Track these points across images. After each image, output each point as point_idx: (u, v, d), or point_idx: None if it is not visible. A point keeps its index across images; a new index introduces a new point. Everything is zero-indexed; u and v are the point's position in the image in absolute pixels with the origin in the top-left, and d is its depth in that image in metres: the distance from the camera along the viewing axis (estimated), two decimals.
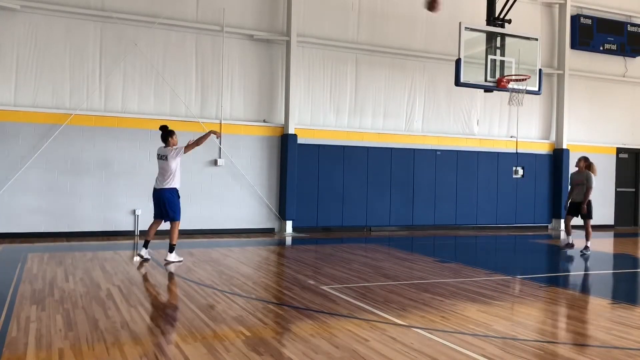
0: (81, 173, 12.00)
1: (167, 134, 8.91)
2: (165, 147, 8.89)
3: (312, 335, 5.04)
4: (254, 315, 5.76)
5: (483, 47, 12.36)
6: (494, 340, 5.02)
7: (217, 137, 9.61)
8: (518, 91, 12.37)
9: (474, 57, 12.16)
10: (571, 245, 11.33)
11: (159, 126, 9.17)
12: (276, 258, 10.00)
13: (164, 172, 8.78)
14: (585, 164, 11.28)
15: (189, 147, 8.93)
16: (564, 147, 16.62)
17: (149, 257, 8.99)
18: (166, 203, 8.80)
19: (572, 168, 16.62)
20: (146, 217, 12.40)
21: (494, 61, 12.32)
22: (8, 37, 11.58)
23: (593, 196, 11.58)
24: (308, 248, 11.32)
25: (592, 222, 11.55)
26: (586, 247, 11.13)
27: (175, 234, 8.93)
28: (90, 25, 12.18)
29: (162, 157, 8.80)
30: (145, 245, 9.05)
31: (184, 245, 11.05)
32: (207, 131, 9.23)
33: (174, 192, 8.86)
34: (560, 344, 5.01)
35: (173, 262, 8.79)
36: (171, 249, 8.92)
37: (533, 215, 16.41)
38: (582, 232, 11.52)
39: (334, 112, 14.49)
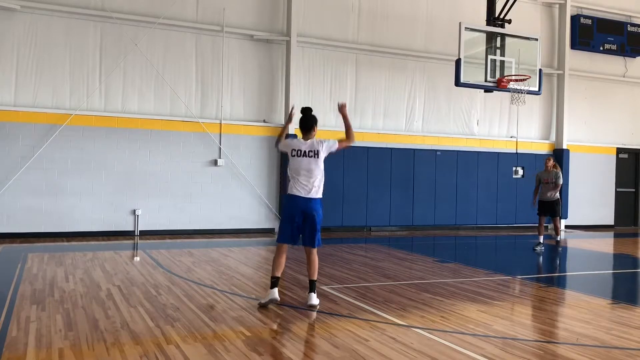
0: (81, 173, 12.00)
1: (312, 120, 6.40)
2: (306, 138, 6.36)
3: (312, 335, 5.04)
4: (254, 315, 5.76)
5: (483, 47, 12.37)
6: (494, 340, 5.02)
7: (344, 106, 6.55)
8: (518, 91, 12.37)
9: (474, 57, 12.16)
10: (542, 245, 11.39)
11: (301, 108, 6.53)
12: None
13: (310, 175, 6.09)
14: (554, 163, 11.47)
15: (343, 142, 6.47)
16: (564, 147, 16.62)
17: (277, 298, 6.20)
18: (315, 221, 6.09)
19: (573, 168, 16.74)
20: (146, 217, 12.44)
21: (494, 61, 12.32)
22: (8, 37, 11.58)
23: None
24: None
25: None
26: (558, 242, 11.51)
27: (316, 266, 6.27)
28: (90, 25, 12.18)
29: (309, 154, 6.15)
30: (275, 284, 6.16)
31: (184, 245, 11.06)
32: (341, 111, 6.56)
33: (322, 205, 6.23)
34: (560, 344, 5.01)
35: (316, 305, 6.09)
36: (313, 287, 6.18)
37: (533, 215, 16.34)
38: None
39: (334, 112, 14.47)
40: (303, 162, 6.09)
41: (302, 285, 7.32)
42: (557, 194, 11.35)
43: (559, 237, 11.57)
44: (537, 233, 11.60)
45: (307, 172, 6.07)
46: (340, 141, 6.35)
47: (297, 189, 6.07)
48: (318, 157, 6.12)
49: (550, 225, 12.56)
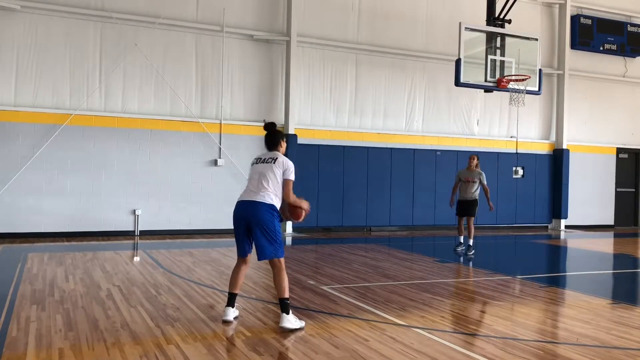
0: (81, 173, 12.00)
1: (278, 135, 5.73)
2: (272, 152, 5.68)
3: (312, 335, 5.04)
4: (254, 315, 5.76)
5: (483, 47, 12.37)
6: (494, 340, 5.02)
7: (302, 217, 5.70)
8: (518, 91, 12.37)
9: (474, 57, 12.16)
10: (464, 245, 10.71)
11: (264, 124, 5.81)
12: None
13: (262, 178, 5.44)
14: (477, 163, 10.73)
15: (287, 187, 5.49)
16: (564, 147, 16.62)
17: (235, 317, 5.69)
18: (263, 227, 5.34)
19: (573, 168, 16.74)
20: (146, 217, 12.44)
21: (494, 61, 12.32)
22: (8, 37, 11.58)
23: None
24: (308, 248, 11.32)
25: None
26: (470, 247, 10.54)
27: (282, 282, 5.50)
28: (90, 25, 12.18)
29: (267, 160, 5.53)
30: (231, 301, 5.65)
31: (184, 245, 11.06)
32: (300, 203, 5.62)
33: (274, 213, 5.43)
34: (560, 344, 5.01)
35: (289, 329, 5.25)
36: (282, 306, 5.36)
37: (533, 215, 16.41)
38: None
39: (334, 112, 14.49)
40: (258, 167, 5.52)
41: (302, 285, 7.32)
42: (477, 195, 10.61)
43: (471, 240, 10.51)
44: (457, 234, 10.87)
45: (260, 176, 5.44)
46: (287, 183, 5.46)
47: (245, 193, 5.48)
48: (275, 163, 5.45)
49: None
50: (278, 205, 5.45)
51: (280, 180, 5.44)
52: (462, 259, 10.14)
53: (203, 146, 13.04)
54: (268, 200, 5.36)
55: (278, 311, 5.91)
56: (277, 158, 5.51)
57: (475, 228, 10.79)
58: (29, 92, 11.77)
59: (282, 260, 5.42)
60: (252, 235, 5.40)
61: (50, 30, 11.89)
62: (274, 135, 5.70)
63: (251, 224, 5.36)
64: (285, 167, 5.46)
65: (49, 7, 11.78)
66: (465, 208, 10.63)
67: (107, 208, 12.21)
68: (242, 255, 5.56)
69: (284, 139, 5.75)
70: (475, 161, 10.74)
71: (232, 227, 5.56)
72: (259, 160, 5.61)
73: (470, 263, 9.79)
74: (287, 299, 5.35)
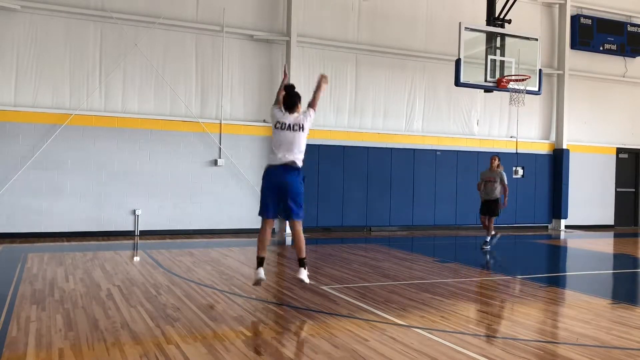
0: (81, 173, 12.00)
1: (296, 97, 6.34)
2: (294, 114, 6.29)
3: (312, 335, 5.04)
4: (254, 315, 5.76)
5: (483, 47, 12.37)
6: (494, 340, 5.02)
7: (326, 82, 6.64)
8: (518, 91, 12.37)
9: (474, 57, 12.16)
10: (489, 243, 11.35)
11: (284, 85, 6.48)
12: (276, 258, 10.00)
13: (292, 147, 6.12)
14: (498, 163, 11.35)
15: (315, 104, 6.52)
16: (564, 147, 16.62)
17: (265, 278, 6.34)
18: (295, 191, 6.12)
19: (573, 168, 16.74)
20: (146, 217, 12.44)
21: (494, 61, 12.32)
22: (8, 37, 11.58)
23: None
24: (308, 248, 11.28)
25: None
26: (492, 237, 11.26)
27: (303, 241, 6.35)
28: (90, 25, 12.18)
29: (294, 127, 6.15)
30: (261, 263, 6.31)
31: (184, 245, 11.06)
32: (319, 78, 6.63)
33: (302, 176, 6.25)
34: (560, 344, 5.01)
35: (307, 281, 6.35)
36: (302, 263, 6.30)
37: (533, 215, 16.41)
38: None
39: (334, 112, 14.49)
40: (287, 136, 6.12)
41: (302, 285, 7.32)
42: (498, 194, 11.17)
43: (489, 237, 11.29)
44: (485, 233, 11.49)
45: (289, 144, 6.11)
46: (313, 107, 6.44)
47: (276, 161, 6.09)
48: (303, 130, 6.18)
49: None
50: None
51: (305, 141, 6.23)
52: (461, 259, 10.14)
53: (203, 146, 13.04)
54: (298, 166, 6.10)
55: (278, 311, 5.91)
56: (303, 124, 6.18)
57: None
58: (29, 92, 11.77)
59: (301, 223, 6.25)
60: (283, 199, 6.09)
61: (50, 30, 11.90)
62: (292, 98, 6.31)
63: (283, 190, 6.06)
64: (310, 121, 6.28)
65: (49, 7, 11.78)
66: (489, 207, 11.23)
67: (107, 208, 12.21)
68: (268, 216, 6.22)
69: (300, 100, 6.35)
70: (496, 162, 11.30)
71: (262, 194, 6.22)
72: (284, 126, 6.17)
73: (470, 263, 9.78)
74: (305, 257, 6.24)
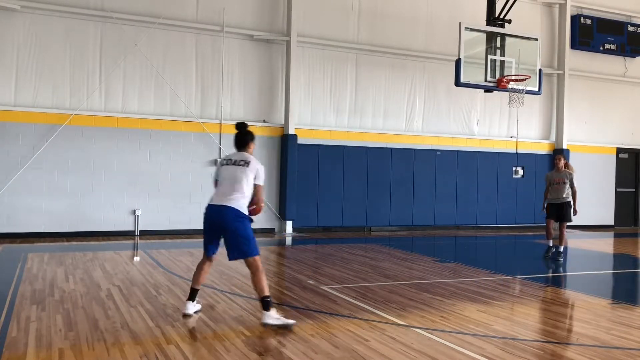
0: (81, 173, 12.00)
1: (248, 135, 5.77)
2: (241, 152, 5.74)
3: (312, 335, 5.04)
4: (254, 315, 5.76)
5: (483, 47, 12.36)
6: (494, 340, 5.02)
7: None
8: (518, 91, 12.36)
9: (474, 57, 12.15)
10: (553, 249, 10.35)
11: (235, 124, 5.90)
12: (276, 258, 10.00)
13: (234, 182, 5.50)
14: (565, 162, 10.43)
15: (257, 194, 5.62)
16: (564, 147, 16.62)
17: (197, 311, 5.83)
18: (234, 231, 5.42)
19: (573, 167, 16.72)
20: (146, 217, 12.44)
21: (494, 61, 12.31)
22: (8, 37, 11.58)
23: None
24: (308, 248, 11.32)
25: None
26: (560, 252, 10.24)
27: (260, 280, 5.42)
28: (90, 25, 12.18)
29: (239, 162, 5.57)
30: (192, 296, 5.78)
31: (184, 245, 11.06)
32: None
33: (245, 218, 5.50)
34: (560, 344, 5.01)
35: (272, 325, 5.36)
36: (265, 303, 5.40)
37: (533, 215, 16.38)
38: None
39: (334, 112, 14.49)
40: (229, 170, 5.55)
41: (302, 285, 7.32)
42: (567, 196, 10.15)
43: (562, 247, 10.22)
44: (545, 239, 10.50)
45: (231, 179, 5.49)
46: (258, 189, 5.55)
47: (217, 197, 5.53)
48: (248, 166, 5.48)
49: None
50: (246, 206, 5.49)
51: (251, 184, 5.50)
52: (461, 259, 10.13)
53: (203, 146, 13.04)
54: (239, 206, 5.41)
55: (278, 311, 5.92)
56: (249, 162, 5.53)
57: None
58: (29, 92, 11.77)
59: (258, 258, 5.39)
60: (224, 238, 5.49)
61: (50, 30, 11.89)
62: (244, 136, 5.74)
63: (222, 229, 5.45)
64: (256, 171, 5.52)
65: (49, 7, 11.78)
66: (557, 211, 10.18)
67: (107, 208, 12.20)
68: (208, 254, 5.69)
69: (253, 140, 5.75)
70: (562, 161, 10.31)
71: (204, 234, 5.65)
72: (229, 162, 5.63)
73: (470, 263, 9.78)
74: (268, 296, 5.37)
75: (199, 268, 5.74)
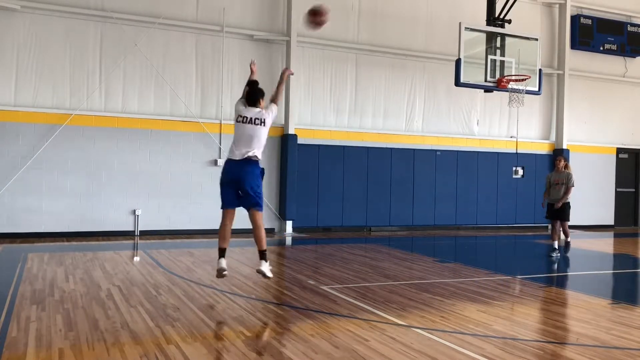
0: (81, 173, 12.00)
1: (259, 93, 6.56)
2: (256, 108, 6.45)
3: (312, 335, 5.04)
4: (254, 315, 5.76)
5: (483, 47, 12.37)
6: (494, 340, 5.02)
7: (291, 74, 7.19)
8: (518, 91, 12.37)
9: (474, 57, 12.16)
10: (558, 251, 10.69)
11: (247, 81, 6.84)
12: (276, 258, 10.00)
13: (252, 141, 6.25)
14: (565, 164, 10.74)
15: (277, 99, 6.71)
16: (564, 147, 16.61)
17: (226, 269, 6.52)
18: (254, 182, 6.25)
19: (573, 168, 16.65)
20: (146, 217, 12.44)
21: (494, 61, 12.32)
22: (8, 37, 11.58)
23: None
24: (308, 248, 11.32)
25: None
26: (567, 244, 10.72)
27: (263, 232, 6.43)
28: (90, 25, 12.18)
29: (255, 121, 6.30)
30: (223, 254, 6.46)
31: (184, 245, 11.07)
32: (282, 71, 7.09)
33: (260, 171, 6.42)
34: (560, 344, 5.01)
35: (269, 275, 6.51)
36: (263, 255, 6.46)
37: (533, 215, 16.39)
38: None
39: (334, 112, 14.49)
40: (247, 129, 6.28)
41: (302, 285, 7.32)
42: (569, 198, 10.54)
43: (569, 238, 10.73)
44: (551, 240, 10.90)
45: (249, 138, 6.25)
46: (275, 102, 6.63)
47: (235, 154, 6.23)
48: (264, 125, 6.34)
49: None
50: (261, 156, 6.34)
51: (265, 137, 6.37)
52: (462, 258, 10.14)
53: (203, 146, 13.04)
54: (257, 159, 6.25)
55: (278, 311, 5.91)
56: (265, 119, 6.33)
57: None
58: (29, 92, 11.77)
59: (262, 214, 6.36)
60: (242, 191, 6.22)
61: (50, 30, 11.89)
62: (254, 94, 6.51)
63: (241, 183, 6.18)
64: (272, 118, 6.46)
65: (49, 7, 11.78)
66: (556, 211, 10.56)
67: (107, 208, 12.20)
68: (229, 206, 6.34)
69: (263, 96, 6.56)
70: (562, 162, 10.64)
71: (222, 187, 6.33)
72: (246, 120, 6.33)
73: (470, 263, 9.78)
74: (265, 250, 6.41)
75: (223, 225, 6.34)
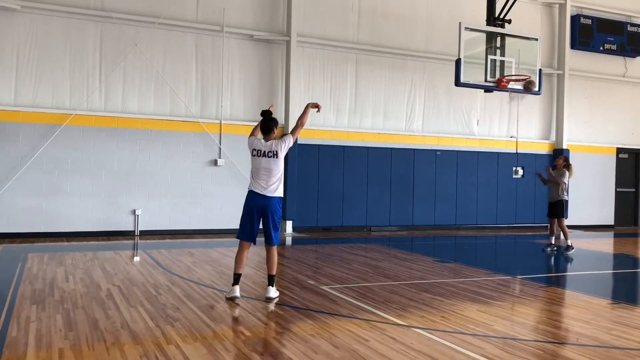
0: (81, 173, 12.00)
1: (272, 122, 6.56)
2: (267, 139, 6.53)
3: (312, 335, 5.04)
4: (254, 315, 5.76)
5: (483, 47, 12.35)
6: (494, 340, 5.02)
7: (317, 111, 6.92)
8: (518, 91, 12.36)
9: (474, 57, 12.14)
10: (553, 246, 11.23)
11: (261, 111, 6.69)
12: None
13: (270, 174, 6.38)
14: (564, 164, 11.15)
15: (295, 131, 6.66)
16: (564, 147, 16.61)
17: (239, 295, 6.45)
18: (273, 218, 6.39)
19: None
20: (146, 217, 12.44)
21: (494, 61, 12.30)
22: (8, 37, 11.58)
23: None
24: (308, 248, 11.32)
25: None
26: (568, 247, 11.04)
27: (275, 262, 6.54)
28: (90, 25, 12.18)
29: (268, 154, 6.41)
30: (237, 280, 6.47)
31: (184, 245, 11.06)
32: (306, 105, 6.84)
33: (281, 203, 6.52)
34: (560, 344, 5.01)
35: (274, 298, 6.44)
36: (271, 281, 6.50)
37: (533, 215, 16.40)
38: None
39: (334, 112, 14.49)
40: (262, 162, 6.42)
41: (302, 285, 7.32)
42: (560, 195, 10.96)
43: (568, 241, 11.03)
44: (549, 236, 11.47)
45: (266, 171, 6.39)
46: (292, 134, 6.64)
47: (256, 187, 6.40)
48: (277, 157, 6.42)
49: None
50: (281, 189, 6.48)
51: (282, 166, 6.46)
52: (461, 258, 10.14)
53: (203, 146, 13.04)
54: (278, 194, 6.40)
55: (278, 311, 5.91)
56: (277, 151, 6.40)
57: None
58: (29, 92, 11.77)
59: (275, 247, 6.52)
60: (263, 224, 6.39)
61: (50, 30, 11.89)
62: (268, 123, 6.56)
63: (265, 215, 6.36)
64: (286, 147, 6.47)
65: (49, 7, 11.78)
66: (553, 209, 11.10)
67: (107, 208, 12.20)
68: (248, 239, 6.45)
69: (277, 125, 6.63)
70: (560, 161, 11.15)
71: (243, 217, 6.49)
72: (260, 153, 6.45)
73: (470, 263, 9.78)
74: (274, 275, 6.50)
75: (241, 254, 6.45)
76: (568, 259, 10.58)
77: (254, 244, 6.49)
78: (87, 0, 12.10)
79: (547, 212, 11.38)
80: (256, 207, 6.37)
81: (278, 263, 9.33)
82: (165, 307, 6.00)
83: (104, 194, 12.19)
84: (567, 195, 11.25)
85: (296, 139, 6.81)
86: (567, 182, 11.05)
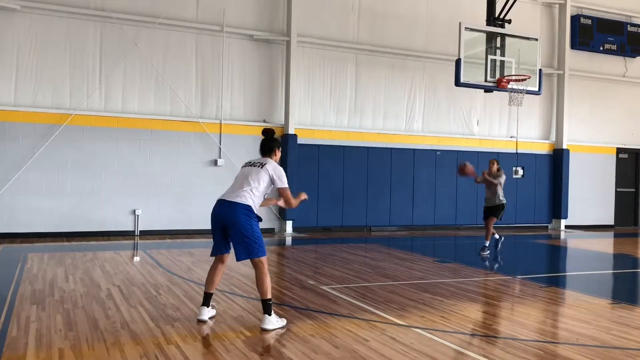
0: (81, 173, 12.00)
1: (273, 143, 5.76)
2: (264, 157, 5.69)
3: (312, 335, 5.04)
4: (254, 315, 5.76)
5: (483, 47, 12.36)
6: (494, 340, 5.02)
7: (305, 199, 5.88)
8: (518, 91, 12.36)
9: (474, 57, 12.15)
10: (487, 248, 10.78)
11: (262, 130, 5.96)
12: (276, 258, 10.00)
13: (244, 180, 5.43)
14: (497, 167, 10.94)
15: (287, 194, 5.56)
16: (564, 147, 16.62)
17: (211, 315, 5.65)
18: (239, 229, 5.25)
19: (573, 168, 16.74)
20: (146, 217, 12.44)
21: (494, 61, 12.31)
22: (8, 37, 11.58)
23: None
24: (308, 248, 11.32)
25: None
26: (484, 247, 10.69)
27: (264, 282, 5.33)
28: (90, 25, 12.18)
29: (255, 164, 5.56)
30: (206, 302, 5.60)
31: (184, 245, 11.06)
32: (300, 194, 5.86)
33: (249, 213, 5.32)
34: (560, 344, 5.01)
35: (270, 330, 5.23)
36: (266, 306, 5.31)
37: (533, 215, 16.41)
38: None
39: (334, 112, 14.49)
40: (244, 170, 5.55)
41: (302, 285, 7.32)
42: (499, 199, 10.69)
43: (487, 242, 10.71)
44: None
45: (243, 178, 5.43)
46: (284, 192, 5.52)
47: (225, 194, 5.45)
48: (262, 168, 5.43)
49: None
50: (256, 206, 5.35)
51: (263, 185, 5.38)
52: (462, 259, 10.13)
53: (203, 146, 13.04)
54: (244, 201, 5.28)
55: (278, 311, 5.91)
56: (265, 164, 5.48)
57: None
58: (29, 92, 11.77)
59: (264, 259, 5.29)
60: (229, 236, 5.38)
61: (50, 30, 11.89)
62: (268, 142, 5.73)
63: (227, 225, 5.32)
64: (273, 173, 5.42)
65: (49, 7, 11.78)
66: (490, 212, 10.81)
67: (107, 208, 12.20)
68: (215, 253, 5.52)
69: (279, 147, 5.76)
70: (494, 166, 10.94)
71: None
72: (248, 164, 5.63)
73: (470, 263, 9.78)
74: (269, 299, 5.27)
75: (211, 271, 5.54)
76: (484, 259, 10.27)
77: (227, 253, 5.52)
78: (87, 0, 12.10)
79: (483, 216, 10.88)
80: (216, 215, 5.41)
81: (278, 263, 9.36)
82: (165, 307, 6.00)
83: (104, 194, 12.19)
84: (504, 198, 10.83)
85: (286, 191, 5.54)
86: (502, 184, 10.75)
